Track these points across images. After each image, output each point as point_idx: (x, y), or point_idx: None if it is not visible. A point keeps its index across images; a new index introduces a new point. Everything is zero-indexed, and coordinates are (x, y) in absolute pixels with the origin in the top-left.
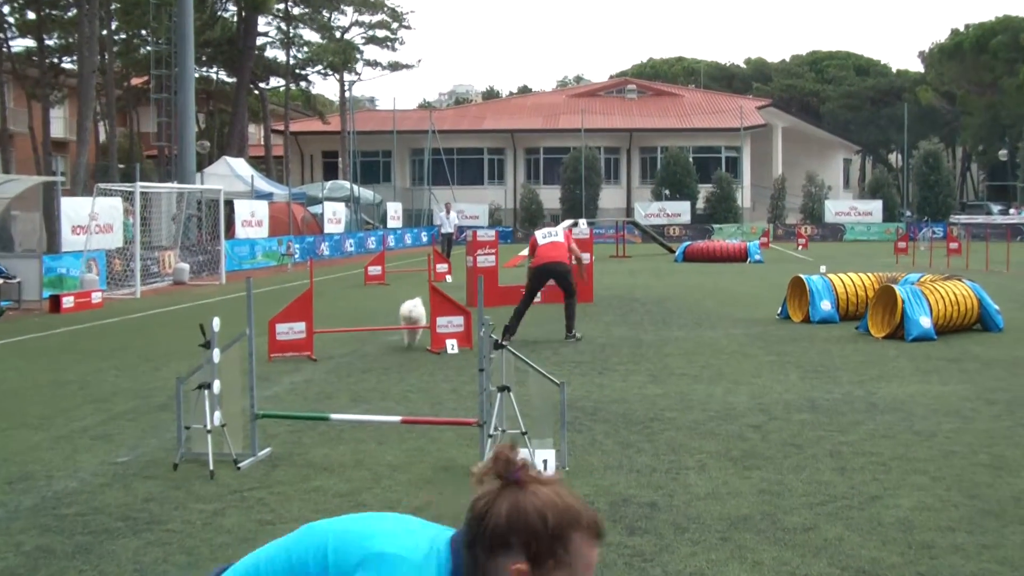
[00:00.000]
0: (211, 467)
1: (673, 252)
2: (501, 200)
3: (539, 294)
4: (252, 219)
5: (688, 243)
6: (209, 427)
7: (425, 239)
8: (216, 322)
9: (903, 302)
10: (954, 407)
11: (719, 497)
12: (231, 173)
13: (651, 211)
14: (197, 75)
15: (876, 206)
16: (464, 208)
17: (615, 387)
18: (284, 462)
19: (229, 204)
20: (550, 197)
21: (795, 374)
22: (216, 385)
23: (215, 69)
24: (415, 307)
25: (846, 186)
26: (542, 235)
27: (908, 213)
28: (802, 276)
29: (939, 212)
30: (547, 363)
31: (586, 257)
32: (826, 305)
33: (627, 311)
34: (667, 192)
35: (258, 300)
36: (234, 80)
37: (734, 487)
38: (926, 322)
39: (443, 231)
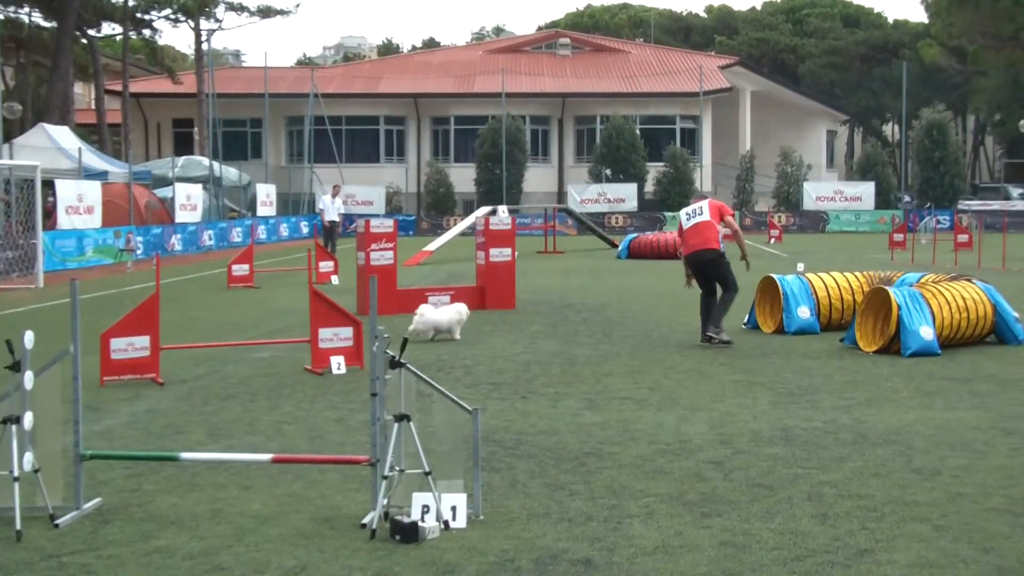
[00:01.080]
0: (18, 525)
1: (616, 247)
2: (401, 182)
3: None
4: (80, 205)
5: (634, 236)
6: (16, 473)
7: (306, 230)
8: (28, 337)
9: (899, 308)
10: (962, 438)
11: (671, 552)
12: (51, 145)
13: (588, 196)
14: (1, 16)
15: (867, 189)
16: (355, 192)
17: (542, 415)
18: (118, 516)
19: (49, 185)
20: (463, 178)
21: (765, 398)
22: (27, 419)
23: (27, 10)
24: (440, 313)
25: (830, 165)
26: (686, 215)
27: (907, 198)
28: (774, 276)
29: (945, 197)
30: (458, 385)
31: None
32: (804, 312)
33: (558, 320)
34: (608, 172)
35: (87, 308)
36: (54, 25)
37: (689, 539)
38: (928, 333)
39: (327, 219)
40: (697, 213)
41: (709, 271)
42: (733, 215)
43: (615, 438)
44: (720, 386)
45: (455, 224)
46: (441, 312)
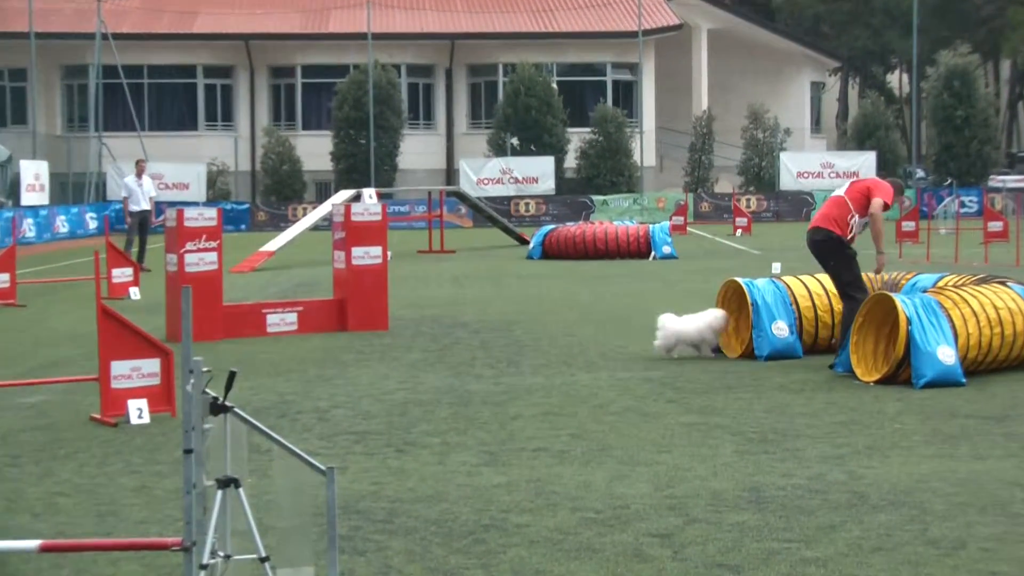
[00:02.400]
0: None
1: (526, 243)
2: (229, 156)
3: None
4: None
5: (551, 228)
6: None
7: (93, 224)
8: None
9: (909, 323)
10: (996, 498)
11: None
12: None
13: (489, 174)
14: None
15: (866, 162)
16: (163, 171)
17: (425, 475)
18: None
19: None
20: (314, 150)
21: (729, 446)
22: None
23: None
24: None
25: (816, 129)
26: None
27: (920, 173)
28: (740, 281)
29: (972, 171)
30: (308, 436)
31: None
32: (780, 328)
33: (447, 344)
34: (515, 142)
35: None
36: None
37: None
38: (947, 355)
39: (133, 208)
40: (842, 187)
41: (820, 262)
42: (888, 203)
43: (525, 504)
44: (668, 431)
45: (304, 215)
46: (687, 321)
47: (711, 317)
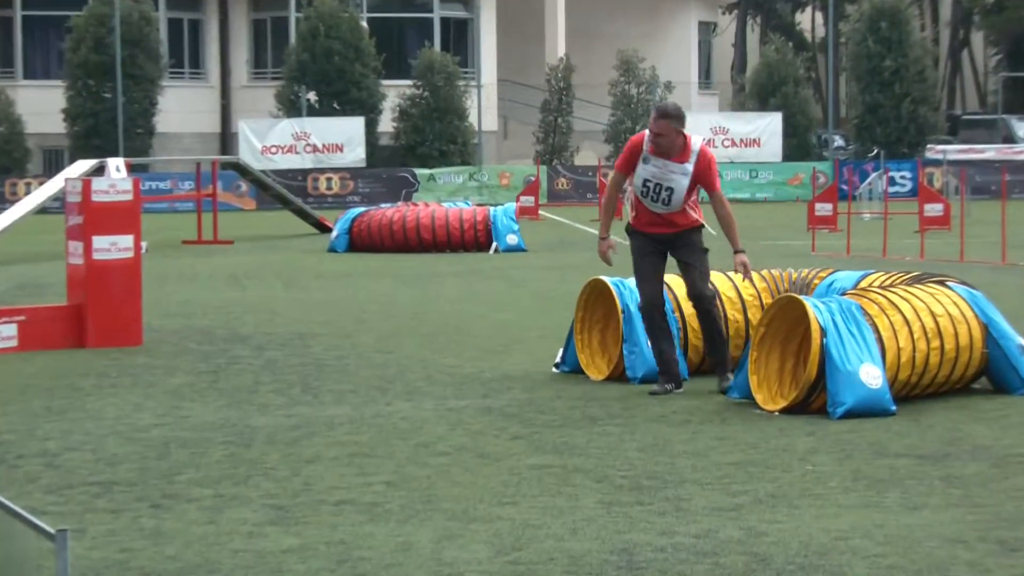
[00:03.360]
0: None
1: (329, 230)
2: None
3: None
4: None
5: (360, 211)
6: None
7: None
8: None
9: (823, 334)
10: (934, 559)
11: None
12: None
13: (278, 140)
14: None
15: (769, 124)
16: None
17: (191, 537)
18: None
19: None
20: (40, 107)
21: (592, 495)
22: None
23: None
24: None
25: (705, 82)
26: (643, 178)
27: (839, 141)
28: (608, 280)
29: (904, 138)
30: (32, 489)
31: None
32: None
33: (222, 364)
34: (313, 98)
35: None
36: None
37: None
38: (872, 376)
39: None
40: (663, 195)
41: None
42: (619, 165)
43: None
44: (513, 476)
45: (27, 193)
46: None
47: None
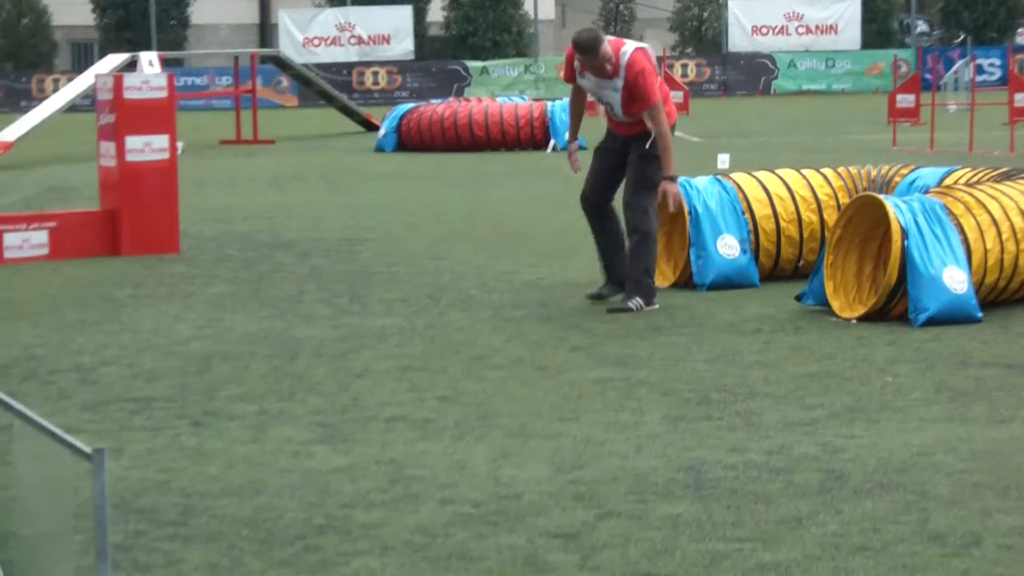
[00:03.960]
0: None
1: (377, 128)
2: None
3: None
4: None
5: (409, 107)
6: None
7: None
8: None
9: (904, 236)
10: (1023, 477)
11: None
12: None
13: (320, 32)
14: None
15: (847, 10)
16: None
17: (235, 457)
18: None
19: None
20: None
21: (658, 410)
22: None
23: None
24: None
25: None
26: (588, 89)
27: (922, 26)
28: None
29: (992, 22)
30: (67, 405)
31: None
32: (729, 246)
33: (264, 273)
34: None
35: None
36: None
37: None
38: (958, 280)
39: None
40: (609, 110)
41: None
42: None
43: (375, 496)
44: (573, 391)
45: (55, 90)
46: None
47: None
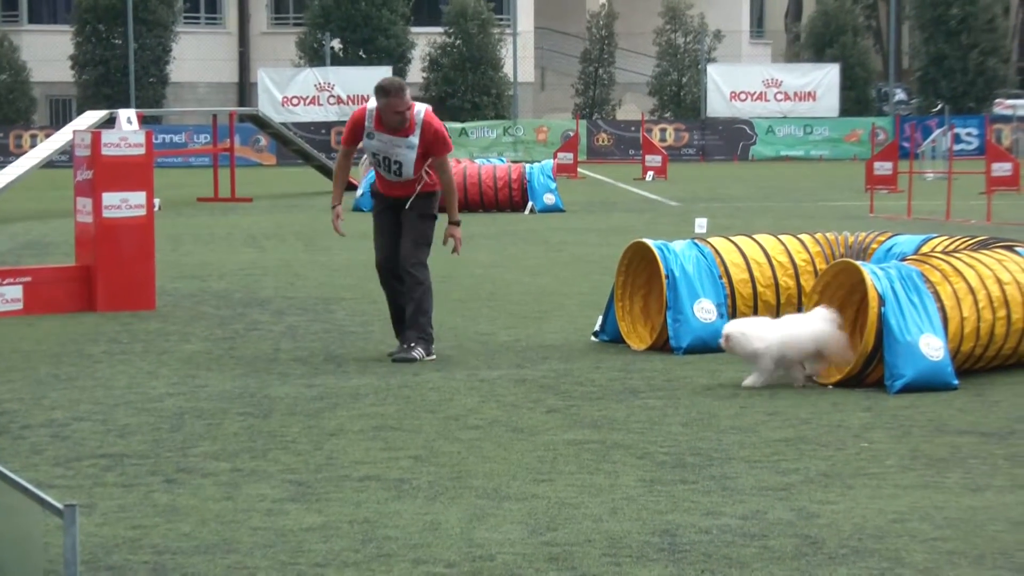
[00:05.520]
0: None
1: (355, 188)
2: None
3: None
4: None
5: None
6: None
7: None
8: None
9: (881, 303)
10: (998, 544)
11: None
12: None
13: (300, 91)
14: None
15: (826, 77)
16: None
17: (207, 513)
18: None
19: None
20: (47, 53)
21: (633, 473)
22: None
23: None
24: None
25: (757, 31)
26: (372, 151)
27: (900, 95)
28: (652, 244)
29: (970, 92)
30: (38, 461)
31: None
32: (706, 310)
33: (240, 331)
34: (337, 46)
35: None
36: None
37: None
38: (934, 348)
39: None
40: (394, 168)
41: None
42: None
43: (348, 556)
44: (548, 452)
45: (33, 146)
46: (790, 325)
47: (824, 320)
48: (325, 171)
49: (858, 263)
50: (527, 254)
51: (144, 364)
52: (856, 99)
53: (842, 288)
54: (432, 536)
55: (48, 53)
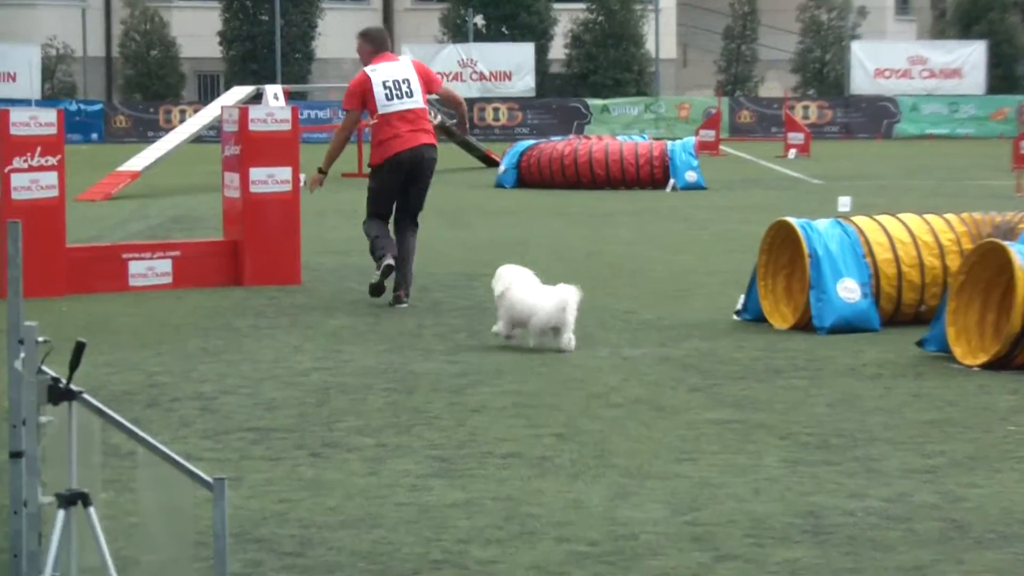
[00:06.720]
0: None
1: (496, 164)
2: (74, 36)
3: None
4: None
5: (529, 144)
6: None
7: None
8: None
9: None
10: None
11: None
12: None
13: (444, 67)
14: None
15: (972, 54)
16: None
17: (352, 489)
18: None
19: None
20: (196, 29)
21: (776, 453)
22: None
23: None
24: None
25: (902, 7)
26: (385, 88)
27: None
28: (793, 222)
29: None
30: (187, 433)
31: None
32: (850, 289)
33: (382, 306)
34: (480, 22)
35: None
36: None
37: None
38: None
39: None
40: (404, 88)
41: (420, 182)
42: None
43: (491, 533)
44: (692, 431)
45: (182, 121)
46: (533, 293)
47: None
48: (468, 147)
49: (1005, 243)
50: (668, 232)
51: (290, 338)
52: (1003, 76)
53: (988, 269)
54: (575, 514)
55: (197, 29)
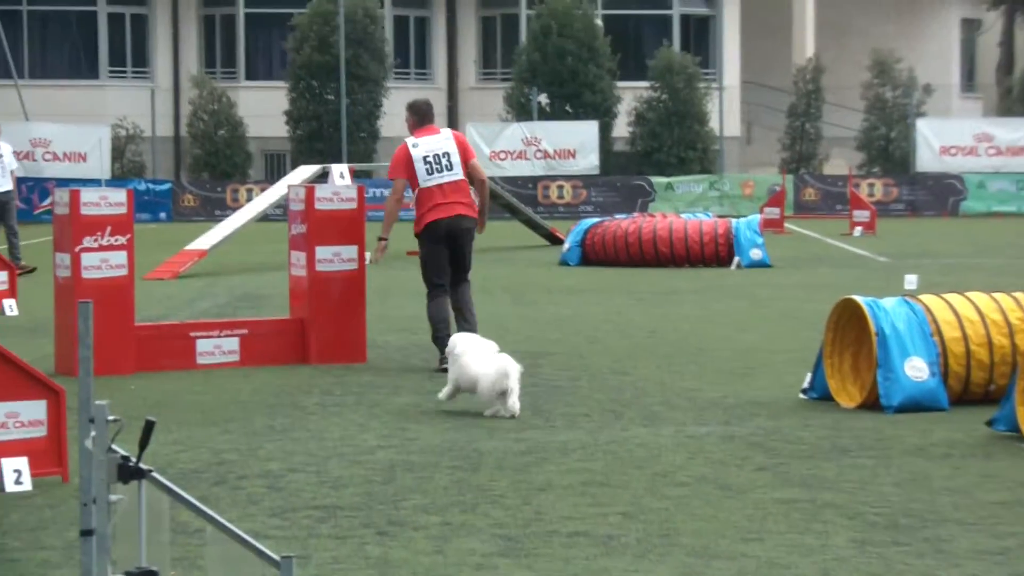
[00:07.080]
0: None
1: (561, 242)
2: (143, 116)
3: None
4: None
5: (594, 222)
6: None
7: None
8: None
9: None
10: None
11: None
12: None
13: (507, 145)
14: None
15: None
16: (49, 134)
17: (418, 567)
18: None
19: None
20: (263, 109)
21: (844, 533)
22: None
23: None
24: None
25: (968, 85)
26: (422, 157)
27: None
28: (860, 300)
29: None
30: (255, 512)
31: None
32: (918, 368)
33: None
34: (544, 100)
35: None
36: None
37: None
38: None
39: None
40: (444, 161)
41: (460, 249)
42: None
43: None
44: (758, 511)
45: (249, 200)
46: (478, 357)
47: (499, 366)
48: (532, 225)
49: None
50: (733, 309)
51: (356, 416)
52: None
53: None
54: None
55: (264, 109)
